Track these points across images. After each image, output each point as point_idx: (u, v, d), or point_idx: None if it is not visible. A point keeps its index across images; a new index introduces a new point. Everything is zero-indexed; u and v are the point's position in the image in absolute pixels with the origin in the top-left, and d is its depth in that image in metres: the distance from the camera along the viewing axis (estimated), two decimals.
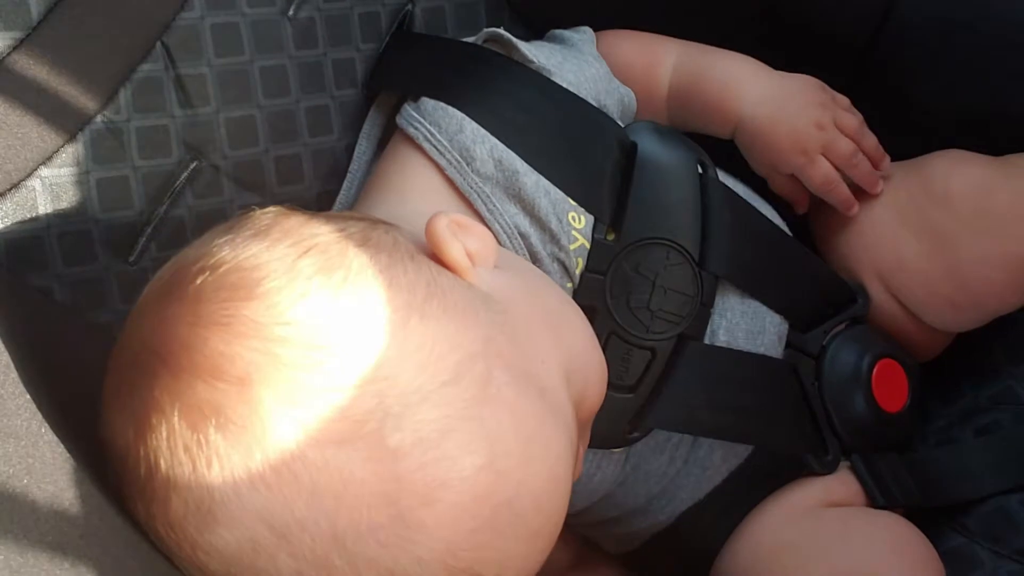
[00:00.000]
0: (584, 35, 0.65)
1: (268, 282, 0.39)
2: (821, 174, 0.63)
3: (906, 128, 0.66)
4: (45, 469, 0.37)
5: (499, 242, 0.52)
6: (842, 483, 0.61)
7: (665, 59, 0.66)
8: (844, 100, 0.65)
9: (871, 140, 0.65)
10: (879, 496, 0.60)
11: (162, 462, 0.37)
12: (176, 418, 0.37)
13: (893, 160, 0.66)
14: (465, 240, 0.45)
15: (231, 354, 0.37)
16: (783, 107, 0.63)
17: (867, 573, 0.55)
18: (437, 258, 0.44)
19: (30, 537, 0.34)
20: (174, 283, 0.40)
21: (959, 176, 0.62)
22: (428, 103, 0.56)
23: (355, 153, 0.61)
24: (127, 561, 0.38)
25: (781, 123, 0.63)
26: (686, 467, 0.60)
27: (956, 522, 0.61)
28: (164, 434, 0.37)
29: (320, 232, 0.42)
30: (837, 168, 0.63)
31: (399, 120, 0.56)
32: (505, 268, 0.47)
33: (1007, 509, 0.59)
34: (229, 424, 0.36)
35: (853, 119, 0.64)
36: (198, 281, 0.39)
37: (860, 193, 0.65)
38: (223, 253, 0.40)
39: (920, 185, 0.63)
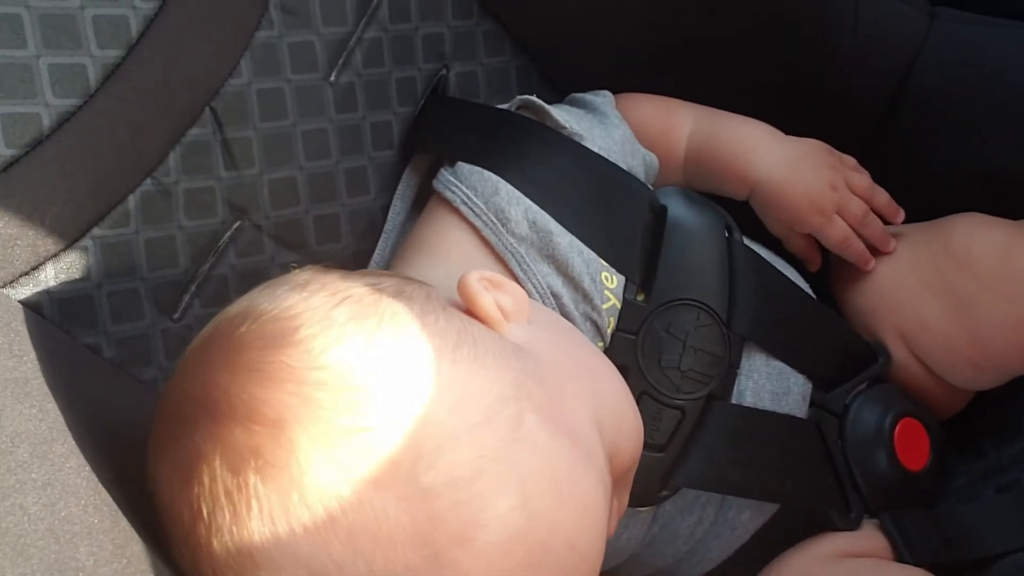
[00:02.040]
0: (605, 98, 0.66)
1: (304, 329, 0.40)
2: (839, 233, 0.65)
3: (920, 191, 0.68)
4: (104, 526, 0.38)
5: None
6: (868, 539, 0.61)
7: (682, 123, 0.68)
8: (851, 160, 0.67)
9: (883, 197, 0.67)
10: (906, 552, 0.60)
11: (204, 508, 0.38)
12: (218, 463, 0.38)
13: (907, 221, 0.67)
14: (497, 295, 0.46)
15: (267, 398, 0.38)
16: (798, 170, 0.65)
17: None
18: (470, 312, 0.46)
19: None
20: (216, 336, 0.42)
21: (981, 239, 0.63)
22: (464, 168, 0.57)
23: (390, 213, 0.62)
24: None
25: (797, 186, 0.65)
26: (714, 528, 0.60)
27: None
28: (207, 480, 0.38)
29: (355, 285, 0.43)
30: (851, 226, 0.65)
31: (436, 185, 0.58)
32: (537, 323, 0.49)
33: None
34: (267, 467, 0.37)
35: (863, 179, 0.67)
36: (239, 332, 0.41)
37: (877, 252, 0.66)
38: (263, 305, 0.42)
39: (941, 247, 0.64)
